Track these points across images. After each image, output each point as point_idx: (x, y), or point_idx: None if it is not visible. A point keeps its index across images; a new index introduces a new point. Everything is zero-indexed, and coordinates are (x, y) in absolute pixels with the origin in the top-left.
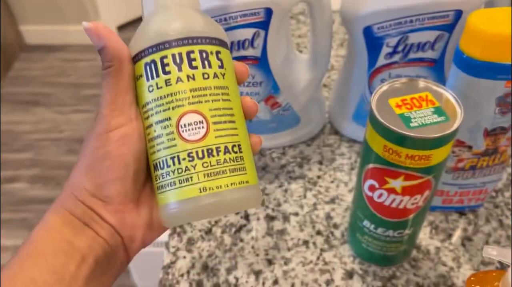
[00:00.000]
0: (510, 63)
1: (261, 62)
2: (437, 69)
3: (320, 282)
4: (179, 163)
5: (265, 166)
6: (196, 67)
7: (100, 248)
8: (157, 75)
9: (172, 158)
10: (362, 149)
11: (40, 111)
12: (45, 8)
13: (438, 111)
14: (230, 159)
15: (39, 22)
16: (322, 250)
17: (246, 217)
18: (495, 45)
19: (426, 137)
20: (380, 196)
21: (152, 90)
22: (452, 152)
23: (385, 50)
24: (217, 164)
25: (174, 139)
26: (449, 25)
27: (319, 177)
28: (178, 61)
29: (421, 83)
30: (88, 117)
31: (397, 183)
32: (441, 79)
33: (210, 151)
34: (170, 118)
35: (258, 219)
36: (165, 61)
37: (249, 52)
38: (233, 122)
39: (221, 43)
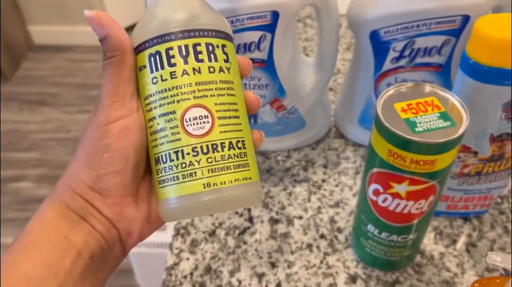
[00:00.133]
0: None
1: (267, 65)
2: (443, 74)
3: (323, 286)
4: (183, 157)
5: (269, 169)
6: (202, 60)
7: (96, 243)
8: (162, 67)
9: (176, 152)
10: (367, 153)
11: (47, 111)
12: (54, 9)
13: (444, 116)
14: (234, 155)
15: (47, 22)
16: (325, 254)
17: (250, 219)
18: (501, 51)
19: (431, 142)
20: (384, 200)
21: (156, 82)
22: (458, 158)
23: (392, 54)
24: (222, 160)
25: (178, 133)
26: (456, 30)
27: (323, 180)
28: (184, 53)
29: (427, 88)
30: None
31: (402, 188)
32: (447, 84)
33: (214, 146)
34: (174, 112)
35: (262, 222)
36: (171, 53)
37: (255, 55)
38: (237, 117)
39: (227, 36)
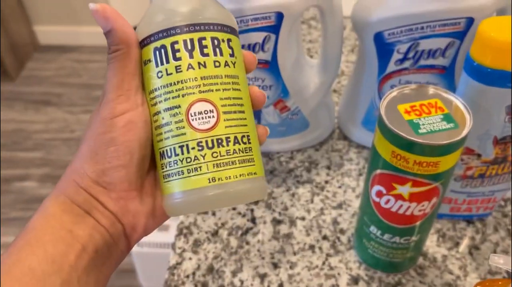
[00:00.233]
0: None
1: (271, 66)
2: (447, 76)
3: None
4: (188, 152)
5: (273, 170)
6: (207, 55)
7: (100, 237)
8: (167, 61)
9: (181, 146)
10: (370, 155)
11: (52, 111)
12: (59, 9)
13: (447, 118)
14: (239, 149)
15: (52, 22)
16: (328, 255)
17: (253, 220)
18: (506, 53)
19: (435, 143)
20: (387, 202)
21: (162, 76)
22: (461, 160)
23: (396, 56)
24: (227, 155)
25: (184, 127)
26: (460, 33)
27: (326, 182)
28: (189, 47)
29: (431, 90)
30: None
31: (405, 189)
32: (451, 87)
33: (220, 141)
34: (179, 106)
35: (264, 222)
36: (176, 47)
37: (260, 55)
38: (242, 112)
39: (232, 31)
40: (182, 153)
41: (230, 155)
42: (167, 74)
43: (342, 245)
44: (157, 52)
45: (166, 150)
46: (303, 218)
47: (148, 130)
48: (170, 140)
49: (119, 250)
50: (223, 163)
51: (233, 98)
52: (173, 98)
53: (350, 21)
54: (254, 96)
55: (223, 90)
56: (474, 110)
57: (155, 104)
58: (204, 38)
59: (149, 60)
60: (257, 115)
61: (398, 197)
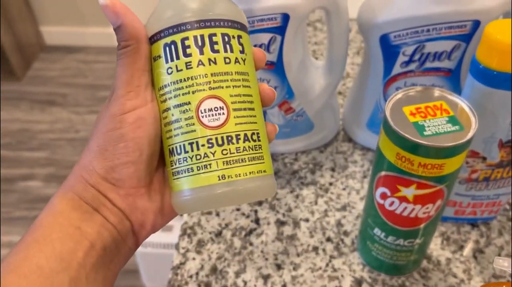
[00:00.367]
0: None
1: (277, 67)
2: (453, 79)
3: None
4: (198, 149)
5: (277, 171)
6: (218, 51)
7: (108, 234)
8: (177, 57)
9: (191, 143)
10: (375, 157)
11: (57, 111)
12: (66, 10)
13: (453, 120)
14: (249, 147)
15: (59, 23)
16: (331, 257)
17: (257, 221)
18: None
19: (440, 146)
20: (391, 204)
21: (171, 72)
22: (466, 163)
23: (401, 58)
24: (237, 152)
25: (193, 124)
26: (466, 35)
27: (331, 184)
28: (200, 43)
29: (436, 92)
30: None
31: (409, 192)
32: (457, 89)
33: (230, 138)
34: (189, 103)
35: (268, 223)
36: (186, 43)
37: None
38: (252, 109)
39: (242, 27)
40: (192, 150)
41: (240, 152)
42: (177, 71)
43: (346, 247)
44: (167, 48)
45: (176, 147)
46: (307, 220)
47: (157, 126)
48: (180, 137)
49: (127, 247)
50: (233, 160)
51: (243, 95)
52: (183, 94)
53: (356, 23)
54: (264, 93)
55: (233, 87)
56: (479, 112)
57: (165, 100)
58: (215, 35)
59: (159, 56)
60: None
61: (403, 199)
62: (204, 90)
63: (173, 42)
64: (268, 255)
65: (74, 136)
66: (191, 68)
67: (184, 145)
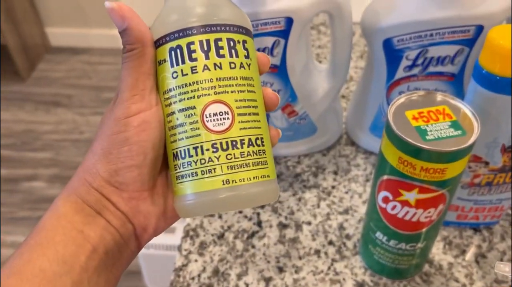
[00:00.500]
0: None
1: (280, 70)
2: (456, 83)
3: None
4: (202, 153)
5: (279, 174)
6: (223, 56)
7: (111, 238)
8: (183, 62)
9: (195, 148)
10: (377, 160)
11: (61, 112)
12: (71, 12)
13: (455, 125)
14: (253, 152)
15: (64, 24)
16: (333, 260)
17: (259, 223)
18: None
19: (442, 150)
20: (393, 208)
21: (177, 76)
22: (469, 168)
23: (405, 63)
24: (241, 157)
25: (198, 128)
26: (470, 40)
27: (333, 187)
28: (205, 48)
29: (439, 97)
30: None
31: (411, 196)
32: (460, 94)
33: (234, 143)
34: (194, 107)
35: (270, 226)
36: (192, 47)
37: None
38: (256, 114)
39: (247, 32)
40: (196, 155)
41: (244, 157)
42: (183, 75)
43: (348, 251)
44: (173, 52)
45: (180, 151)
46: (309, 223)
47: (162, 130)
48: (184, 141)
49: (129, 251)
50: (237, 165)
51: (248, 100)
52: (188, 99)
53: (359, 27)
54: (268, 97)
55: (238, 91)
56: (482, 117)
57: (170, 104)
58: (220, 39)
59: (164, 60)
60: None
61: (405, 203)
62: (209, 94)
63: (179, 47)
64: (270, 257)
65: (78, 137)
66: (197, 72)
67: (188, 149)
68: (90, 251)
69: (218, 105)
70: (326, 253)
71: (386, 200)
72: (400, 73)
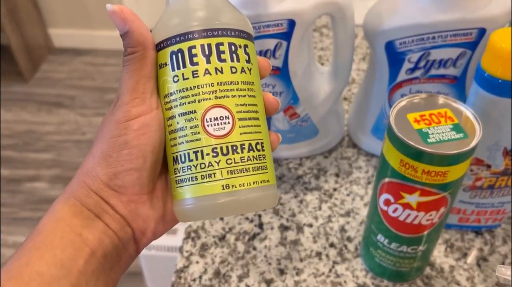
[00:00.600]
0: None
1: (282, 72)
2: (458, 86)
3: None
4: (202, 158)
5: (281, 176)
6: (224, 60)
7: (109, 241)
8: (184, 66)
9: (195, 152)
10: (379, 163)
11: (64, 113)
12: (74, 13)
13: (457, 128)
14: (253, 157)
15: (67, 26)
16: (334, 262)
17: (260, 225)
18: None
19: (443, 153)
20: (395, 210)
21: (178, 80)
22: (470, 170)
23: (407, 65)
24: (241, 162)
25: (199, 133)
26: (472, 43)
27: (335, 189)
28: (207, 52)
29: (441, 99)
30: None
31: (413, 199)
32: (462, 97)
33: (234, 147)
34: (195, 111)
35: (272, 228)
36: (193, 51)
37: (271, 62)
38: (257, 119)
39: (249, 36)
40: (196, 159)
41: (244, 162)
42: (184, 79)
43: (349, 253)
44: (174, 56)
45: (180, 155)
46: (310, 225)
47: (162, 134)
48: (185, 145)
49: (127, 254)
50: (237, 170)
51: (249, 104)
52: (188, 103)
53: (362, 29)
54: (268, 102)
55: (239, 96)
56: (484, 120)
57: (170, 108)
58: (222, 44)
59: (165, 64)
60: (267, 121)
61: (406, 206)
62: (210, 99)
63: (180, 50)
64: (271, 259)
65: (81, 138)
66: (198, 76)
67: (188, 153)
68: (89, 255)
69: (219, 110)
70: (327, 256)
71: (387, 202)
72: (402, 76)
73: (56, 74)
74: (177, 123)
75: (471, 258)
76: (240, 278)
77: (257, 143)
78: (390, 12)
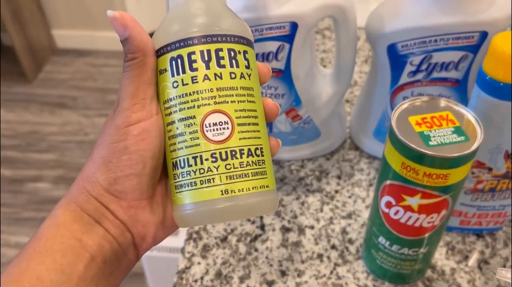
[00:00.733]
0: None
1: (284, 74)
2: (460, 89)
3: None
4: (202, 163)
5: (283, 178)
6: (224, 66)
7: (109, 247)
8: (183, 71)
9: (194, 157)
10: (381, 165)
11: (67, 114)
12: (77, 14)
13: (458, 131)
14: (252, 162)
15: (70, 27)
16: (336, 264)
17: (262, 227)
18: None
19: (445, 156)
20: (396, 213)
21: (177, 86)
22: (472, 173)
23: (409, 68)
24: (240, 167)
25: (198, 138)
26: (474, 46)
27: (336, 191)
28: (206, 58)
29: (442, 102)
30: None
31: (414, 201)
32: (463, 100)
33: (233, 153)
34: (194, 117)
35: (273, 230)
36: (193, 57)
37: (273, 64)
38: (256, 124)
39: (248, 42)
40: (196, 164)
41: (243, 167)
42: (183, 84)
43: (351, 255)
44: (174, 62)
45: (179, 161)
46: (312, 227)
47: (161, 139)
48: (184, 150)
49: (127, 260)
50: (236, 175)
51: (248, 110)
52: (188, 108)
53: (364, 32)
54: (268, 108)
55: (238, 102)
56: (485, 123)
57: (170, 114)
58: (221, 50)
59: (165, 70)
60: (269, 123)
61: (407, 208)
62: (209, 104)
63: (180, 56)
64: (273, 261)
65: (83, 138)
66: (197, 82)
67: (188, 158)
68: (88, 260)
69: (218, 115)
70: (328, 257)
71: (389, 205)
72: (404, 79)
73: (59, 75)
74: (177, 128)
75: (472, 260)
76: (242, 279)
77: (256, 148)
78: (392, 15)
